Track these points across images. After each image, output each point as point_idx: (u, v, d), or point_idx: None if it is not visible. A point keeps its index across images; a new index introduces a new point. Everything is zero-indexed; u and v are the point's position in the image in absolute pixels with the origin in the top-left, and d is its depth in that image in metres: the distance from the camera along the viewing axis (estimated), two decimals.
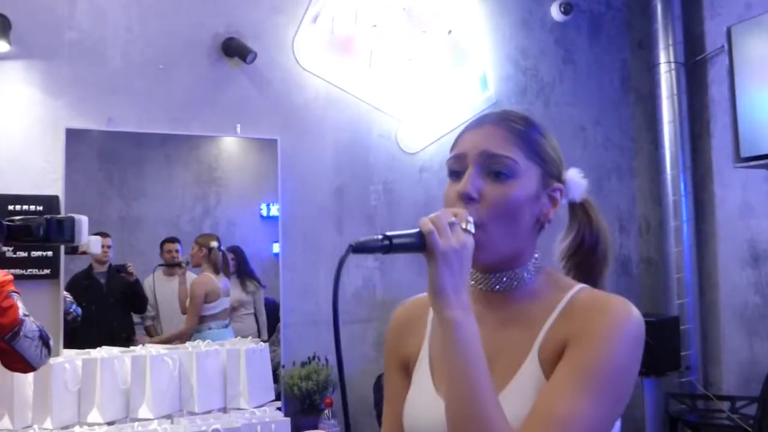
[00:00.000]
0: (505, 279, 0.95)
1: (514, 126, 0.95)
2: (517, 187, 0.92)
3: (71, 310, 2.73)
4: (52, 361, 2.37)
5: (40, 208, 2.68)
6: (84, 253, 2.68)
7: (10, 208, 2.63)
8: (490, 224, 0.91)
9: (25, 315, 1.75)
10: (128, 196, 3.02)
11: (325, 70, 3.20)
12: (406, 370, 1.05)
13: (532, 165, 0.93)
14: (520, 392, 0.88)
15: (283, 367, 2.99)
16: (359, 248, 0.88)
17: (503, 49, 3.61)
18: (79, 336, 2.75)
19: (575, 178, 0.98)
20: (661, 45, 3.65)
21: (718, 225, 3.63)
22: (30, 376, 2.40)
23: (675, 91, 3.63)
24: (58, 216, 1.63)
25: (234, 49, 2.98)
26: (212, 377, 2.71)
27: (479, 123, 0.97)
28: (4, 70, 2.69)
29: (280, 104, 3.13)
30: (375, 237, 0.89)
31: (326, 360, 3.02)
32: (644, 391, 3.38)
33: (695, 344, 3.56)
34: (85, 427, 2.48)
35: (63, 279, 2.71)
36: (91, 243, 2.63)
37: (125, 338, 2.96)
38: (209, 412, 2.67)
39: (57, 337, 2.57)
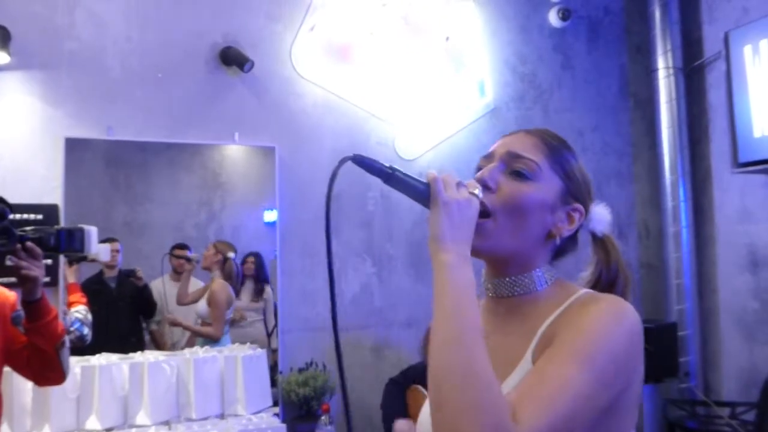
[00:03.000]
0: (511, 284, 0.97)
1: (548, 139, 1.00)
2: (534, 189, 0.95)
3: (73, 328, 2.60)
4: None
5: (39, 216, 2.70)
6: (93, 261, 2.71)
7: (11, 217, 2.66)
8: (500, 216, 0.94)
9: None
10: (134, 201, 3.05)
11: (322, 77, 3.22)
12: None
13: (554, 176, 0.97)
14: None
15: (281, 373, 3.01)
16: (360, 160, 0.91)
17: (501, 55, 3.63)
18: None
19: (600, 212, 1.02)
20: (659, 50, 3.65)
21: (717, 230, 3.62)
22: (29, 383, 2.42)
23: (673, 97, 3.63)
24: (69, 227, 1.68)
25: (232, 58, 3.01)
26: (210, 384, 2.73)
27: (516, 131, 1.03)
28: (4, 80, 2.72)
29: (278, 112, 3.15)
30: (378, 161, 0.91)
31: (324, 366, 3.03)
32: (643, 397, 3.37)
33: (694, 350, 3.55)
34: None
35: (62, 287, 2.73)
36: (101, 251, 2.66)
37: (135, 342, 2.99)
38: (207, 418, 2.69)
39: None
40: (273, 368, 3.02)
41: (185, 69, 3.00)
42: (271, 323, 3.21)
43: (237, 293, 3.16)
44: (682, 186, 3.63)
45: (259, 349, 2.91)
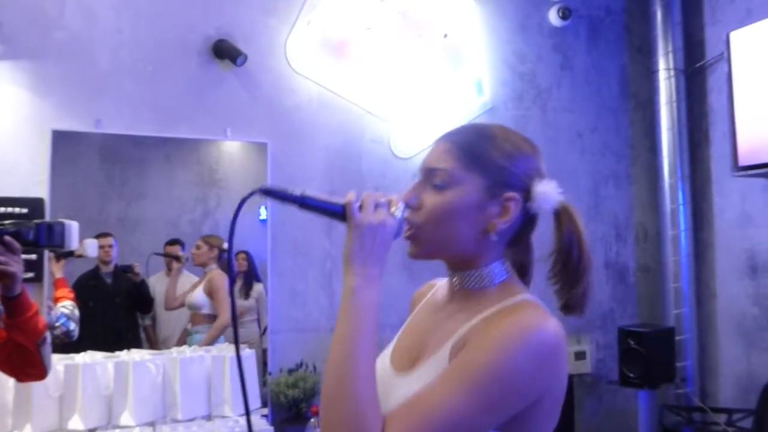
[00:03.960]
0: (461, 279, 1.02)
1: (458, 139, 1.01)
2: (452, 197, 0.97)
3: (58, 323, 2.54)
4: None
5: (25, 210, 2.64)
6: (80, 256, 2.65)
7: None
8: (428, 227, 0.98)
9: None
10: (128, 196, 3.01)
11: (317, 73, 3.16)
12: None
13: (472, 175, 0.97)
14: (422, 376, 0.92)
15: (270, 374, 2.95)
16: (268, 192, 0.96)
17: (500, 53, 3.57)
18: (84, 336, 2.72)
19: (542, 190, 0.99)
20: (661, 51, 3.60)
21: (716, 234, 3.57)
22: (10, 381, 2.37)
23: (674, 98, 3.57)
24: (49, 221, 1.63)
25: (224, 51, 2.95)
26: (196, 384, 2.67)
27: (436, 140, 1.04)
28: None
29: (271, 107, 3.09)
30: (292, 189, 0.96)
31: (314, 367, 2.97)
32: (639, 402, 3.32)
33: (692, 355, 3.50)
34: None
35: (47, 283, 2.67)
36: (88, 247, 2.62)
37: (131, 338, 2.96)
38: (193, 419, 2.63)
39: None
40: (266, 368, 2.98)
41: (177, 62, 2.93)
42: (265, 323, 3.16)
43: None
44: (682, 189, 3.57)
45: (248, 350, 2.86)
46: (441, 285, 1.12)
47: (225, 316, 3.02)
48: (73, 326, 2.59)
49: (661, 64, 3.60)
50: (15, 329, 1.67)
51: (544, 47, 3.67)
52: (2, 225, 1.57)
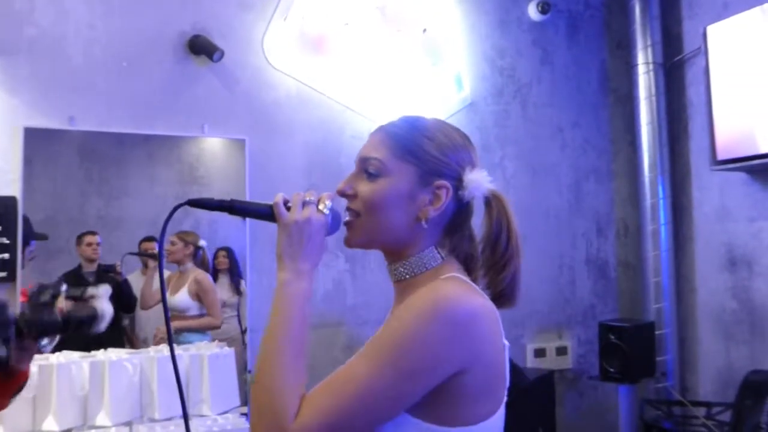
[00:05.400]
0: (396, 270, 1.05)
1: (392, 130, 1.06)
2: (384, 185, 1.01)
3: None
4: None
5: None
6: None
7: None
8: (363, 216, 1.03)
9: None
10: (109, 194, 2.97)
11: (295, 68, 3.13)
12: None
13: (404, 165, 1.02)
14: None
15: (250, 372, 2.93)
16: (195, 203, 1.02)
17: (479, 48, 3.56)
18: (68, 336, 2.67)
19: (472, 179, 1.03)
20: (639, 45, 3.60)
21: (695, 229, 3.59)
22: None
23: (653, 93, 3.58)
24: (81, 314, 1.39)
25: (200, 47, 2.91)
26: (174, 383, 2.64)
27: (372, 131, 1.10)
28: None
29: (249, 103, 3.07)
30: (213, 198, 1.02)
31: None
32: (619, 397, 3.34)
33: (672, 350, 3.52)
34: None
35: (20, 282, 2.63)
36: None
37: (116, 337, 2.91)
38: (170, 419, 2.59)
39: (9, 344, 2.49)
40: (246, 366, 2.96)
41: (151, 58, 2.90)
42: (247, 320, 3.14)
43: None
44: (661, 184, 3.58)
45: (227, 348, 2.82)
46: None
47: (218, 318, 3.01)
48: (45, 341, 2.54)
49: (640, 58, 3.60)
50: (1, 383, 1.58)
51: (524, 42, 3.66)
52: (25, 318, 1.29)
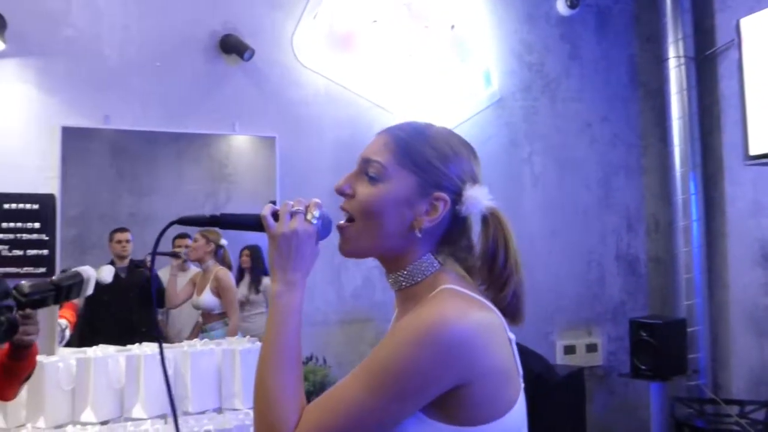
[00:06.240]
0: (395, 279, 1.03)
1: (398, 134, 1.03)
2: (383, 190, 1.00)
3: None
4: (45, 360, 2.37)
5: (36, 206, 2.67)
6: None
7: (6, 206, 2.64)
8: (358, 220, 1.01)
9: None
10: (139, 192, 3.03)
11: (324, 66, 3.16)
12: None
13: (406, 172, 1.00)
14: None
15: None
16: (185, 221, 1.04)
17: (507, 44, 3.55)
18: (99, 330, 2.75)
19: (472, 195, 1.00)
20: (670, 39, 3.56)
21: (728, 224, 3.53)
22: None
23: (684, 87, 3.54)
24: (67, 280, 1.56)
25: (231, 46, 2.95)
26: (207, 377, 2.68)
27: (378, 132, 1.07)
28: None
29: (279, 101, 3.10)
30: (204, 213, 1.05)
31: (324, 360, 2.98)
32: (650, 395, 3.30)
33: (704, 347, 3.47)
34: (78, 426, 2.46)
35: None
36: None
37: (145, 332, 2.96)
38: (203, 412, 2.64)
39: (51, 336, 2.57)
40: None
41: (184, 57, 2.94)
42: None
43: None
44: (693, 179, 3.54)
45: (258, 342, 2.87)
46: None
47: (235, 317, 3.04)
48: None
49: (671, 52, 3.56)
50: (10, 366, 1.65)
51: (552, 37, 3.64)
52: (21, 290, 1.47)
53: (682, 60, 3.53)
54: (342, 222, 1.03)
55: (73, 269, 1.60)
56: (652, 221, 3.82)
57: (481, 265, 1.01)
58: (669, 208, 3.67)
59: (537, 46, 3.61)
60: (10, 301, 1.42)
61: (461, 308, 0.91)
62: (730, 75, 3.40)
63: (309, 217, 1.01)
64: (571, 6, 3.54)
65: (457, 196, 1.00)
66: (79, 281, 1.58)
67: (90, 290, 1.62)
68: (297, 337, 0.97)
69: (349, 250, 1.04)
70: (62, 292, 1.54)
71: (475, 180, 1.03)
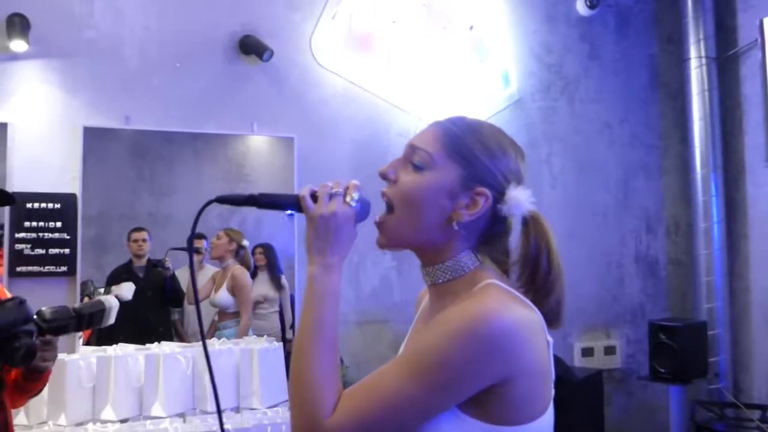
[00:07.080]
0: (432, 273, 1.02)
1: (449, 127, 1.02)
2: (427, 179, 0.99)
3: None
4: (67, 357, 2.40)
5: (57, 206, 2.70)
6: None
7: (29, 206, 2.67)
8: (397, 209, 1.00)
9: None
10: (158, 192, 3.06)
11: (343, 67, 3.16)
12: None
13: (452, 164, 0.99)
14: None
15: None
16: (223, 200, 1.02)
17: (526, 44, 3.53)
18: (116, 330, 2.76)
19: (515, 196, 1.00)
20: (692, 39, 3.52)
21: (750, 226, 3.49)
22: None
23: (706, 87, 3.50)
24: (90, 308, 1.57)
25: (250, 47, 2.97)
26: (225, 376, 2.69)
27: (430, 123, 1.06)
28: (23, 69, 2.72)
29: (297, 102, 3.11)
30: (242, 193, 1.03)
31: (341, 360, 2.99)
32: (670, 398, 3.27)
33: (725, 350, 3.44)
34: (99, 424, 2.48)
35: (80, 277, 2.72)
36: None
37: (162, 332, 2.99)
38: (222, 411, 2.66)
39: (73, 335, 2.59)
40: None
41: (203, 58, 2.96)
42: (288, 315, 3.17)
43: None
44: (714, 180, 3.50)
45: (275, 342, 2.87)
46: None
47: (246, 316, 3.05)
48: None
49: (692, 53, 3.52)
50: (21, 385, 1.66)
51: (571, 37, 3.62)
52: (43, 316, 1.47)
53: (704, 60, 3.49)
54: (378, 217, 1.02)
55: (97, 297, 1.62)
56: (672, 223, 3.78)
57: (523, 268, 0.99)
58: (689, 210, 3.63)
59: (556, 46, 3.59)
60: (31, 327, 1.42)
61: (506, 303, 0.91)
62: (753, 75, 3.36)
63: (348, 199, 0.99)
64: (591, 6, 3.51)
65: (499, 194, 0.99)
66: (100, 310, 1.59)
67: (112, 320, 1.62)
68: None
69: (388, 240, 1.02)
70: (84, 320, 1.55)
71: (519, 181, 1.02)
